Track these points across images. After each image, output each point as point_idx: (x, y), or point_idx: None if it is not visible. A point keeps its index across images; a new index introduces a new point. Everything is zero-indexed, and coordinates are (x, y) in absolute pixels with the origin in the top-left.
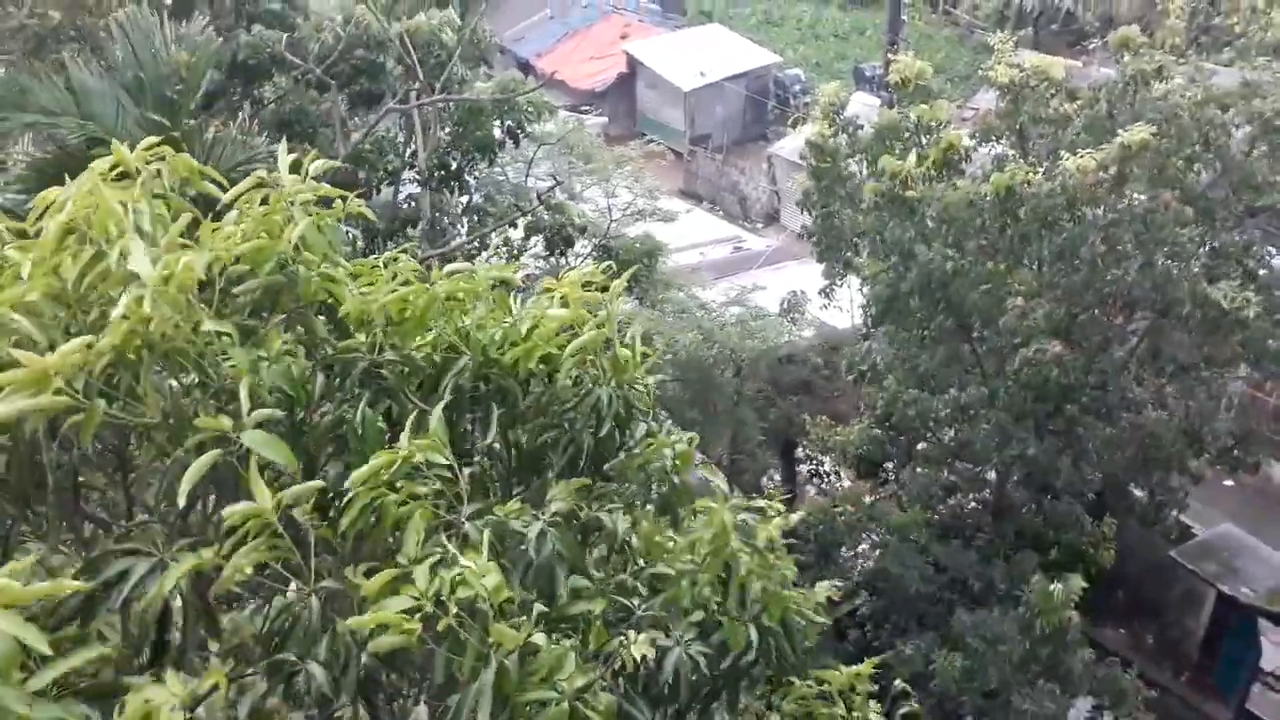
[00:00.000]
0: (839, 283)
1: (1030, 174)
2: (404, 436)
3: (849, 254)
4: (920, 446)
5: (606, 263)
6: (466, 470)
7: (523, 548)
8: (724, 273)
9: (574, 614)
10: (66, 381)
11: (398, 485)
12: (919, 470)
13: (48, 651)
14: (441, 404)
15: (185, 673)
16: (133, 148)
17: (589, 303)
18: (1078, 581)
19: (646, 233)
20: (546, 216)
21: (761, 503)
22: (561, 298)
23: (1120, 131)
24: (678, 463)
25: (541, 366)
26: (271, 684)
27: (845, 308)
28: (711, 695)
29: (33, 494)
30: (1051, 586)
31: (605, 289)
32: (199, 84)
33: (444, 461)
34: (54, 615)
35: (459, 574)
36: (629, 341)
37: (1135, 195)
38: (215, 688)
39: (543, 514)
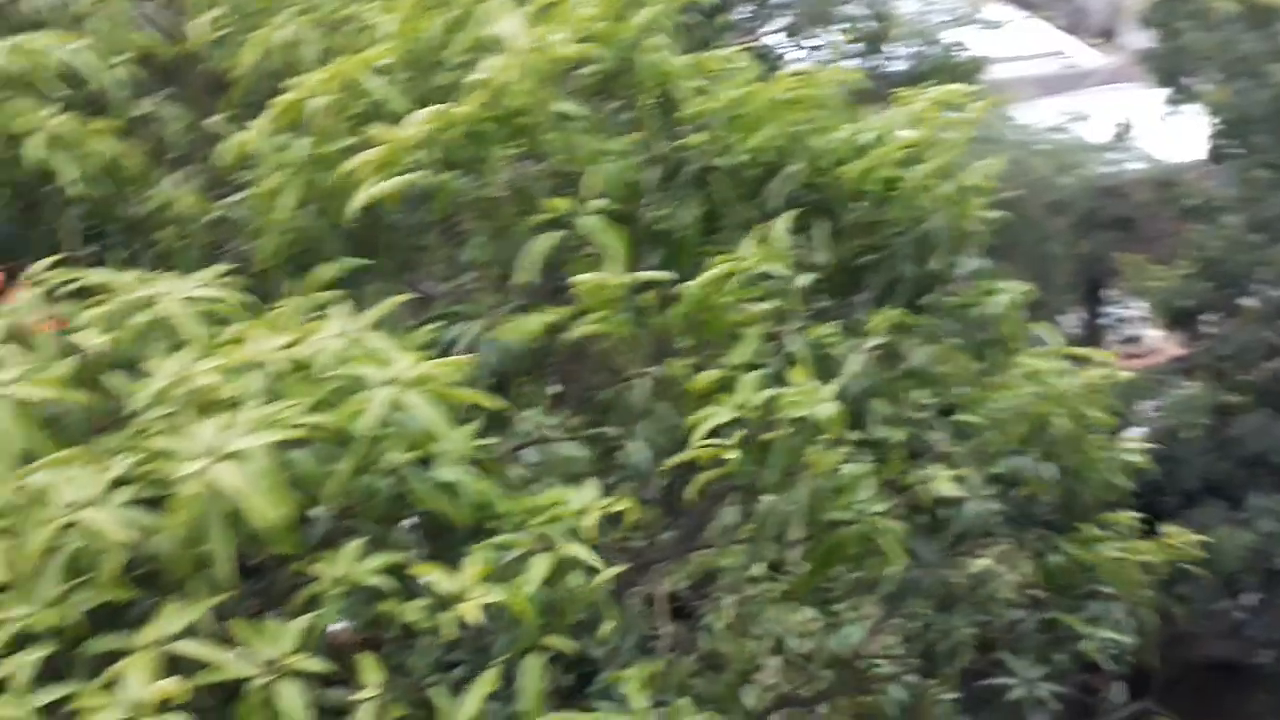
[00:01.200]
0: (1178, 110)
1: None
2: (747, 243)
3: (1192, 77)
4: (1246, 301)
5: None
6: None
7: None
8: (1049, 91)
9: (876, 439)
10: (419, 148)
11: (730, 290)
12: (1240, 326)
13: (465, 445)
14: (789, 214)
15: None
16: None
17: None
18: None
19: (962, 41)
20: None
21: (1085, 351)
22: (913, 116)
23: None
24: (1007, 310)
25: (877, 186)
26: (594, 452)
27: (1183, 140)
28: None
29: (381, 251)
30: None
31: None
32: None
33: (782, 273)
34: None
35: (794, 396)
36: (975, 173)
37: None
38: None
39: (863, 344)
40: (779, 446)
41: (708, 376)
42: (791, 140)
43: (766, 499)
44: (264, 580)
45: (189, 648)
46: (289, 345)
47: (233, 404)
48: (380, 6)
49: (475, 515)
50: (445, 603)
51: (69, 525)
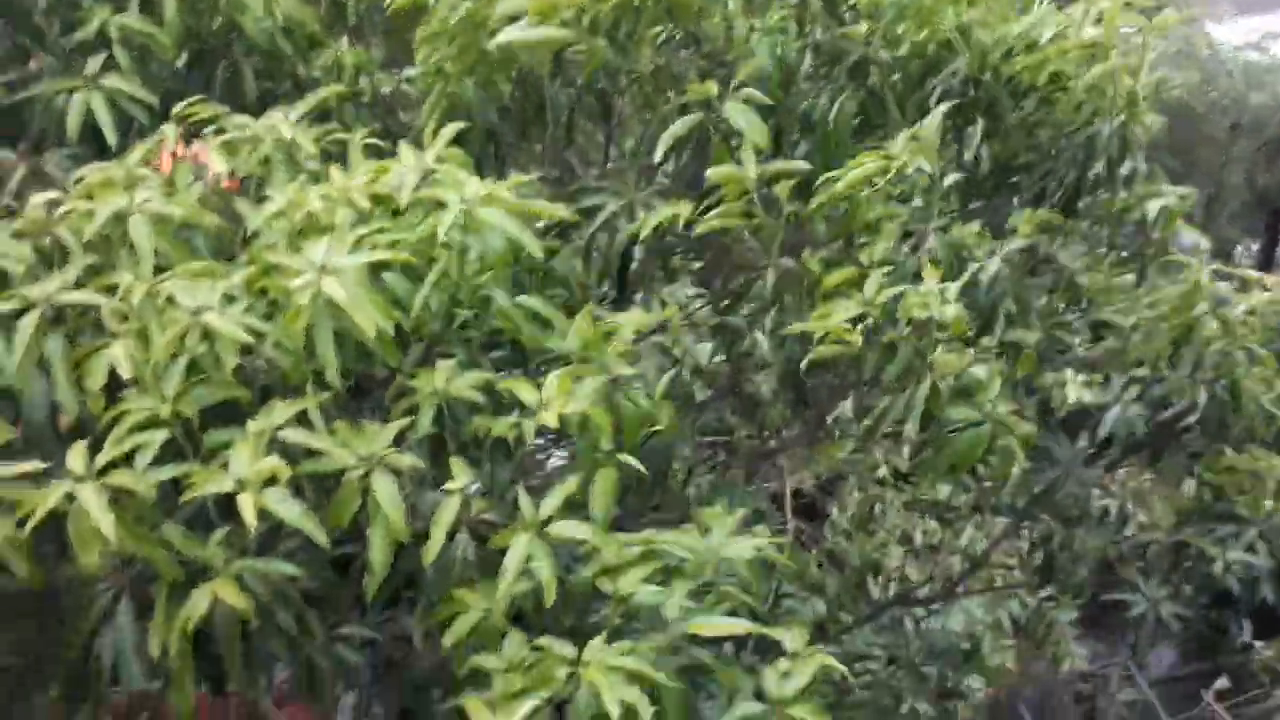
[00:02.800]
0: None
1: None
2: (901, 138)
3: None
4: None
5: None
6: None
7: (975, 272)
8: (1245, 10)
9: (1007, 340)
10: (574, 17)
11: (875, 184)
12: None
13: (539, 255)
14: (941, 107)
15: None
16: None
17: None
18: None
19: None
20: None
21: (1252, 273)
22: (1098, 14)
23: None
24: (1164, 218)
25: (1046, 83)
26: (717, 345)
27: None
28: (1134, 448)
29: (532, 124)
30: None
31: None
32: None
33: (928, 169)
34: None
35: (919, 296)
36: (1154, 83)
37: None
38: (667, 321)
39: (1002, 246)
40: (901, 344)
41: (841, 272)
42: (960, 33)
43: (887, 397)
44: (366, 394)
45: (295, 435)
46: (373, 179)
47: (333, 229)
48: None
49: (552, 341)
50: (528, 412)
51: (192, 328)
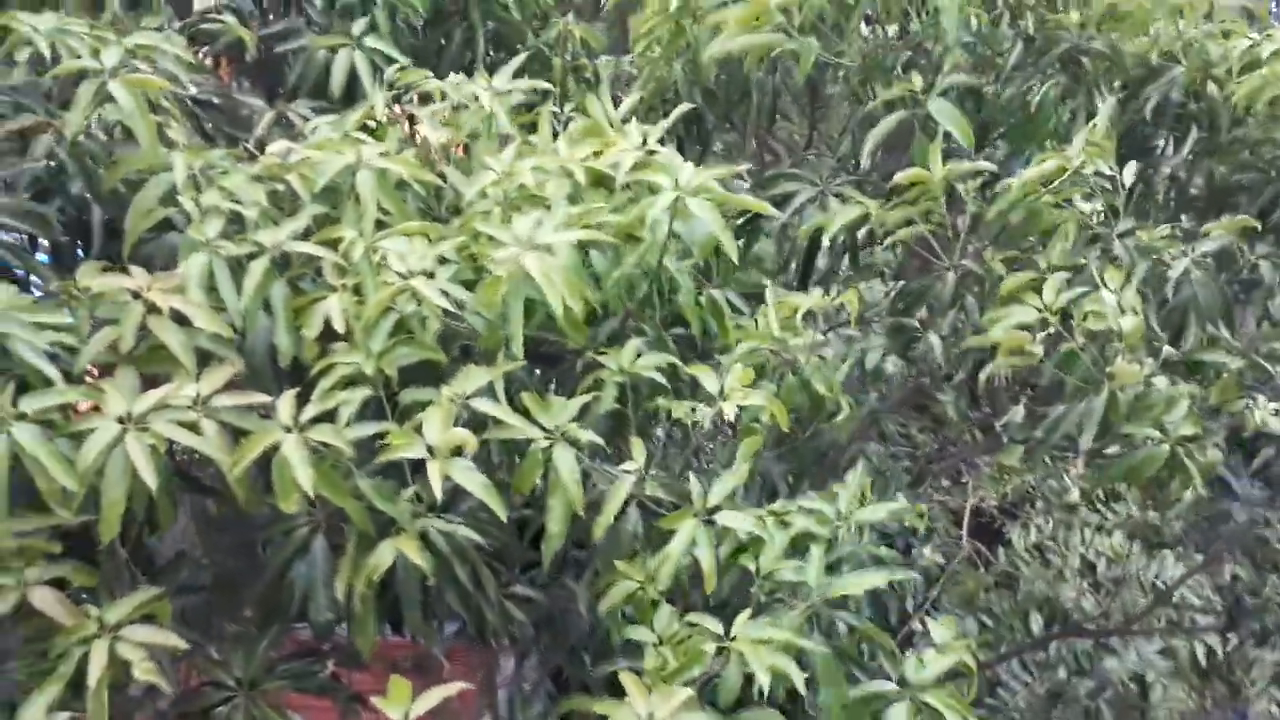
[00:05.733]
0: None
1: None
2: (1078, 139)
3: None
4: None
5: None
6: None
7: (1165, 279)
8: None
9: (1203, 361)
10: (783, 11)
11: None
12: None
13: (735, 257)
14: (1110, 104)
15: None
16: None
17: None
18: None
19: None
20: None
21: None
22: None
23: None
24: None
25: (1268, 106)
26: (890, 345)
27: None
28: None
29: (735, 109)
30: None
31: None
32: None
33: (1107, 171)
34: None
35: (1095, 305)
36: None
37: None
38: (845, 305)
39: (1192, 250)
40: (1077, 352)
41: (1020, 277)
42: (1182, 44)
43: (1061, 406)
44: (558, 362)
45: (484, 405)
46: (593, 154)
47: (545, 204)
48: None
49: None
50: (708, 400)
51: (403, 290)
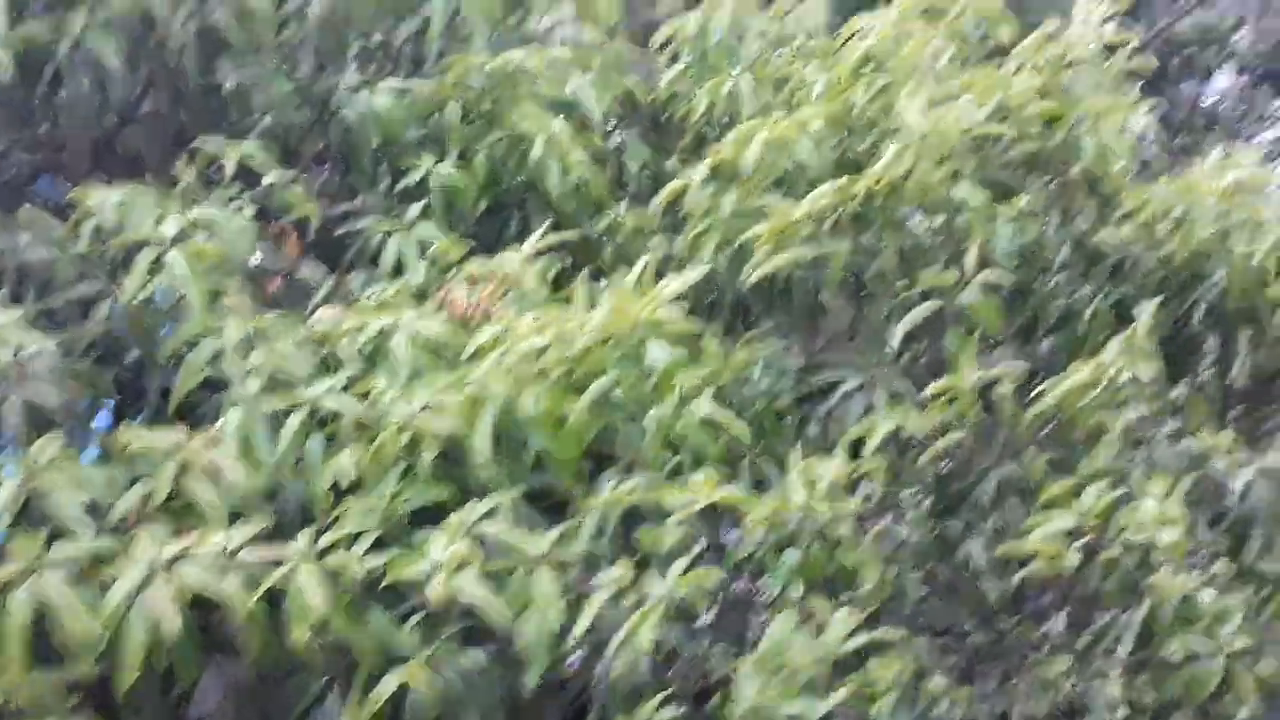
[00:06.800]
0: None
1: None
2: (1112, 346)
3: None
4: None
5: None
6: (1180, 387)
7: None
8: None
9: (1266, 571)
10: (816, 220)
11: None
12: None
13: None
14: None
15: None
16: None
17: None
18: None
19: None
20: None
21: None
22: None
23: None
24: None
25: None
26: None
27: None
28: None
29: (776, 302)
30: None
31: None
32: None
33: (1146, 378)
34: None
35: (1135, 515)
36: None
37: None
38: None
39: (1257, 458)
40: (1118, 563)
41: (1058, 485)
42: (1221, 242)
43: (1103, 615)
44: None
45: (489, 528)
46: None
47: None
48: (817, 66)
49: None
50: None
51: (403, 430)
